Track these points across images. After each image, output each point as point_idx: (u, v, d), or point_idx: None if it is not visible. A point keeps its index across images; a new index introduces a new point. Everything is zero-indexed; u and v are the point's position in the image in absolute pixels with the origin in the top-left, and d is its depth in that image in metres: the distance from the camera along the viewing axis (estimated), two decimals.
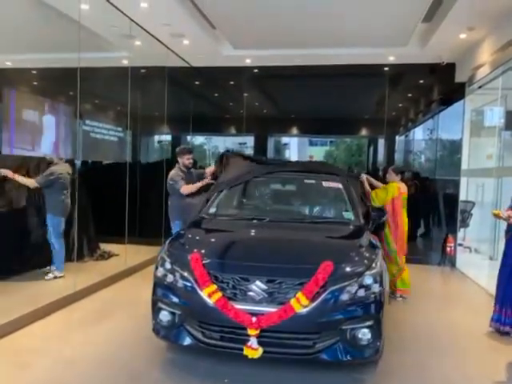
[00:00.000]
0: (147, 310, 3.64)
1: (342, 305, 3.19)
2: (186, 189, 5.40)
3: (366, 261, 3.44)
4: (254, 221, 4.31)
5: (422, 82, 8.59)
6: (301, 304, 3.11)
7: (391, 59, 7.64)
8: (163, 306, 3.47)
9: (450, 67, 7.60)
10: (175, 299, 3.41)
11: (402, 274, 5.56)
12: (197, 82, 9.29)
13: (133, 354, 3.77)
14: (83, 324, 4.41)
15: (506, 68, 5.90)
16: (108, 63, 7.99)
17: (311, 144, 14.42)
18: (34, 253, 5.95)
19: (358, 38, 6.83)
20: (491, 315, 4.43)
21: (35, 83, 9.18)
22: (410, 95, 9.41)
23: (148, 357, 3.71)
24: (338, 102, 10.05)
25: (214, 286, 3.25)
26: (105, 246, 7.15)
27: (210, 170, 5.68)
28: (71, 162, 6.42)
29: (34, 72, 8.98)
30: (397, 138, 9.96)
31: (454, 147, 8.32)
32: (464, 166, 7.72)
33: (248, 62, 8.10)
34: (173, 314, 3.42)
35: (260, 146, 10.77)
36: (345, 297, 3.20)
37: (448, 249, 7.41)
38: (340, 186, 4.73)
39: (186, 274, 3.40)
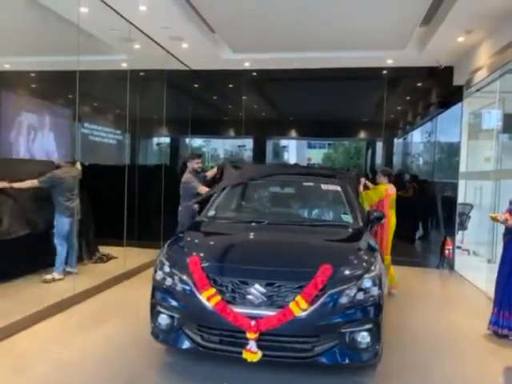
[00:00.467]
0: (146, 314, 3.63)
1: (341, 308, 3.19)
2: (204, 189, 5.51)
3: (364, 264, 3.45)
4: (253, 224, 4.31)
5: (420, 84, 8.62)
6: (300, 307, 3.11)
7: (389, 62, 7.66)
8: (162, 310, 3.46)
9: (448, 70, 7.63)
10: (174, 303, 3.41)
11: (388, 272, 5.61)
12: (196, 85, 9.30)
13: (131, 357, 3.76)
14: (82, 327, 4.40)
15: (504, 71, 5.93)
16: (107, 66, 7.99)
17: (310, 146, 14.44)
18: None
19: (356, 41, 6.85)
20: (489, 318, 4.44)
21: (34, 86, 9.19)
22: (408, 98, 9.44)
23: (147, 360, 3.70)
24: (337, 104, 10.07)
25: (213, 290, 3.25)
26: (104, 249, 7.14)
27: (211, 172, 5.77)
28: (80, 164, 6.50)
29: (33, 75, 8.98)
30: (395, 140, 9.99)
31: (452, 150, 8.34)
32: (462, 168, 7.74)
33: (247, 65, 8.12)
34: (172, 317, 3.42)
35: (259, 149, 10.79)
36: (344, 300, 3.20)
37: (446, 251, 7.42)
38: (339, 188, 4.73)
39: (184, 277, 3.40)
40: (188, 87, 9.29)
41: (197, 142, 11.78)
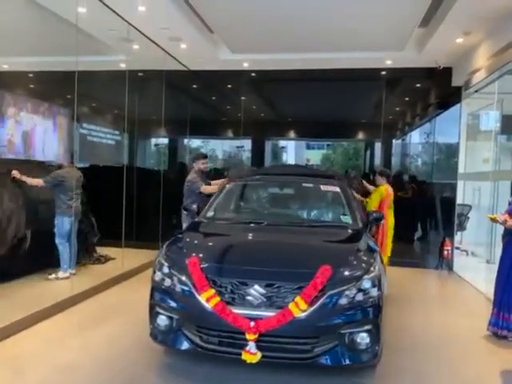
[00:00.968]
0: (145, 315, 3.62)
1: (340, 309, 3.18)
2: (207, 188, 5.55)
3: (364, 265, 3.44)
4: (252, 225, 4.30)
5: (418, 85, 8.64)
6: (299, 308, 3.10)
7: (388, 63, 7.66)
8: (161, 311, 3.45)
9: (447, 71, 7.64)
10: (173, 303, 3.39)
11: None
12: (194, 86, 9.29)
13: (130, 358, 3.75)
14: (81, 328, 4.38)
15: (502, 72, 5.93)
16: (106, 67, 7.98)
17: (308, 147, 14.48)
18: None
19: (355, 42, 6.86)
20: (489, 319, 4.43)
21: (32, 86, 9.17)
22: (406, 99, 9.46)
23: (146, 361, 3.69)
24: (336, 105, 10.09)
25: (212, 291, 3.24)
26: (101, 250, 7.12)
27: (209, 188, 5.71)
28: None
29: (31, 75, 8.97)
30: (394, 141, 10.01)
31: (451, 151, 8.36)
32: (461, 169, 7.74)
33: (245, 65, 8.11)
34: (170, 318, 3.41)
35: (257, 150, 10.81)
36: (343, 301, 3.19)
37: (445, 252, 7.42)
38: (338, 189, 4.72)
39: (183, 278, 3.39)
40: (187, 88, 9.29)
41: (195, 142, 11.78)
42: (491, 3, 5.04)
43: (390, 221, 6.01)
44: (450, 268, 7.55)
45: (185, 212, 5.55)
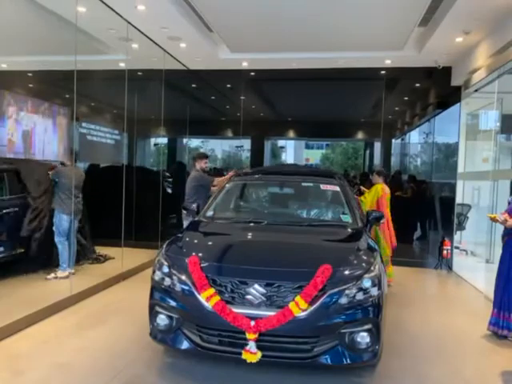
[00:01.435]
0: (144, 314, 3.61)
1: (340, 308, 3.18)
2: (219, 181, 5.79)
3: (364, 264, 3.44)
4: (252, 224, 4.29)
5: (418, 85, 8.63)
6: (299, 308, 3.10)
7: (388, 63, 7.66)
8: (161, 310, 3.44)
9: (446, 71, 7.63)
10: (173, 303, 3.39)
11: (387, 268, 5.80)
12: (194, 85, 9.28)
13: (130, 358, 3.74)
14: (79, 328, 4.37)
15: (502, 72, 5.94)
16: (105, 66, 7.97)
17: (307, 147, 14.47)
18: None
19: (354, 41, 6.85)
20: (489, 318, 4.44)
21: (31, 85, 9.15)
22: (406, 98, 9.45)
23: (146, 361, 3.68)
24: (335, 105, 10.08)
25: (212, 290, 3.24)
26: (100, 249, 7.11)
27: (220, 179, 5.84)
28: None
29: (30, 74, 8.95)
30: (393, 141, 10.00)
31: (450, 150, 8.35)
32: (460, 169, 7.75)
33: (245, 65, 8.10)
34: (170, 317, 3.40)
35: (257, 149, 10.79)
36: (343, 300, 3.19)
37: (445, 252, 7.42)
38: (337, 188, 4.72)
39: (183, 277, 3.38)
40: (186, 87, 9.28)
41: (194, 142, 11.76)
42: (491, 2, 5.03)
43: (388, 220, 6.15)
44: (450, 268, 7.55)
45: (184, 211, 5.56)
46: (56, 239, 5.87)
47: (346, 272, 3.33)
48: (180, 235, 4.07)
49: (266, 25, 6.29)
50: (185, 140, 10.66)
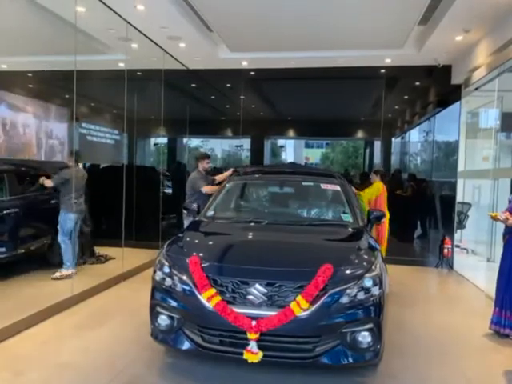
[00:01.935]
0: (145, 314, 3.60)
1: (341, 308, 3.17)
2: (207, 188, 5.83)
3: (365, 263, 3.43)
4: (253, 224, 4.29)
5: (418, 83, 8.62)
6: (301, 307, 3.09)
7: (387, 61, 7.65)
8: (162, 310, 3.44)
9: (446, 69, 7.62)
10: (174, 303, 3.38)
11: None
12: (193, 85, 9.27)
13: (131, 358, 3.73)
14: (81, 328, 4.37)
15: (502, 70, 5.92)
16: (104, 66, 7.96)
17: (307, 146, 14.46)
18: None
19: (354, 40, 6.84)
20: (491, 317, 4.43)
21: (31, 86, 9.14)
22: (406, 97, 9.44)
23: (147, 361, 3.67)
24: (335, 104, 10.07)
25: (213, 290, 3.23)
26: (101, 250, 7.11)
27: (220, 177, 5.88)
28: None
29: (30, 75, 8.93)
30: (393, 139, 10.00)
31: (451, 149, 8.34)
32: (460, 167, 7.74)
33: (245, 64, 8.09)
34: (171, 318, 3.40)
35: (256, 148, 10.78)
36: (345, 300, 3.18)
37: (445, 250, 7.42)
38: (338, 188, 4.72)
39: (184, 277, 3.38)
40: (186, 87, 9.27)
41: (194, 141, 11.76)
42: (491, 1, 5.02)
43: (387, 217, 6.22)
44: (450, 266, 7.55)
45: (185, 211, 5.56)
46: (60, 238, 5.95)
47: (347, 271, 3.32)
48: (181, 235, 4.06)
49: (266, 24, 6.28)
50: (185, 140, 10.66)
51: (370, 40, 6.80)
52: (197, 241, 4.04)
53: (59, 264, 6.03)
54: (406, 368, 3.68)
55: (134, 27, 6.25)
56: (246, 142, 10.72)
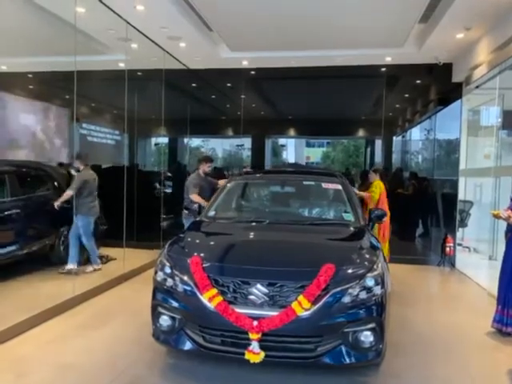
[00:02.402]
0: (147, 315, 3.60)
1: (343, 307, 3.16)
2: (195, 197, 5.76)
3: (367, 263, 3.42)
4: (254, 223, 4.28)
5: (419, 82, 8.60)
6: (302, 307, 3.08)
7: (388, 60, 7.63)
8: (163, 311, 3.43)
9: (447, 67, 7.59)
10: (175, 303, 3.37)
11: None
12: (194, 85, 9.26)
13: (133, 359, 3.73)
14: (82, 328, 4.37)
15: (503, 67, 5.90)
16: (105, 66, 7.95)
17: (308, 145, 14.45)
18: None
19: (354, 39, 6.82)
20: (493, 316, 4.42)
21: (31, 87, 9.15)
22: (407, 95, 9.43)
23: (147, 362, 3.67)
24: (335, 103, 10.06)
25: (215, 290, 3.22)
26: (102, 250, 7.10)
27: (222, 182, 5.89)
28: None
29: (30, 76, 8.94)
30: (394, 138, 9.98)
31: (452, 147, 8.33)
32: (462, 165, 7.72)
33: (245, 63, 8.08)
34: (173, 318, 3.39)
35: (257, 148, 10.78)
36: (346, 299, 3.17)
37: (447, 249, 7.40)
38: (339, 187, 4.71)
39: (185, 278, 3.37)
40: (186, 87, 9.27)
41: (195, 141, 11.76)
42: None
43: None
44: (453, 265, 7.53)
45: (186, 211, 5.56)
46: (84, 242, 6.18)
47: (349, 271, 3.31)
48: (182, 235, 4.06)
49: (266, 23, 6.27)
50: (185, 139, 10.66)
51: (370, 39, 6.78)
52: (198, 241, 4.04)
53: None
54: (409, 367, 3.67)
55: (134, 27, 6.24)
56: (247, 142, 10.71)
